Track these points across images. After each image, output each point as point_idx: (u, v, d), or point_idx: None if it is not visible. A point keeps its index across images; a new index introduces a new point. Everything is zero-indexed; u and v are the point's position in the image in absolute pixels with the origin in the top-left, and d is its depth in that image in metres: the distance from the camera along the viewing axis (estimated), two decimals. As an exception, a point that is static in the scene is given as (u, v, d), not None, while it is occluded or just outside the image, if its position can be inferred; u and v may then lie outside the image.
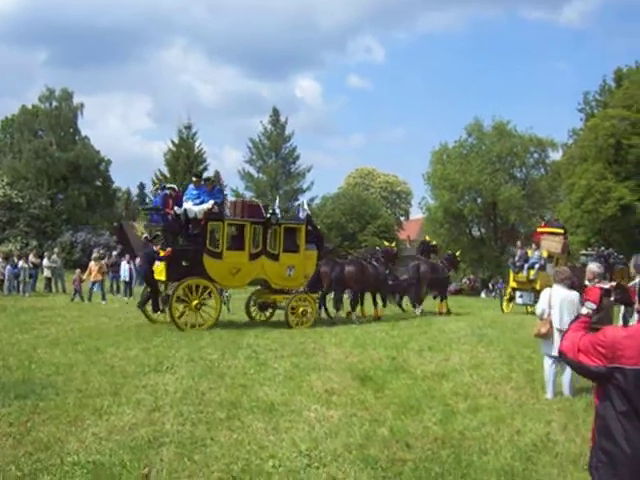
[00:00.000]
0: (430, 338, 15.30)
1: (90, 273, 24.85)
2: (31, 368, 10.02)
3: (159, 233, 16.57)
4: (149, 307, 16.59)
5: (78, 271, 25.90)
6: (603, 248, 31.57)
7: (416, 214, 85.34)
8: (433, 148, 61.04)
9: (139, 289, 23.98)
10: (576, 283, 10.64)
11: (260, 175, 62.24)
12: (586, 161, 51.50)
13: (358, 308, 19.90)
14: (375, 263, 20.12)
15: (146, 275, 16.54)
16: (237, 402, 8.18)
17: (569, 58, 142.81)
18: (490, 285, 52.82)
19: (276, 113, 62.71)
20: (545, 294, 9.72)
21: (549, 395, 9.36)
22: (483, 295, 50.41)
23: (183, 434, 6.77)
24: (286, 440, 6.72)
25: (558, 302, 9.44)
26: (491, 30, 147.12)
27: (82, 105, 61.40)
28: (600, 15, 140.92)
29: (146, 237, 17.43)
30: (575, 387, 9.54)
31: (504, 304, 25.31)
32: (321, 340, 14.28)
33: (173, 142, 58.86)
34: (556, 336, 9.32)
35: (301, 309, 17.28)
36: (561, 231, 27.64)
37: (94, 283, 24.77)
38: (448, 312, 22.79)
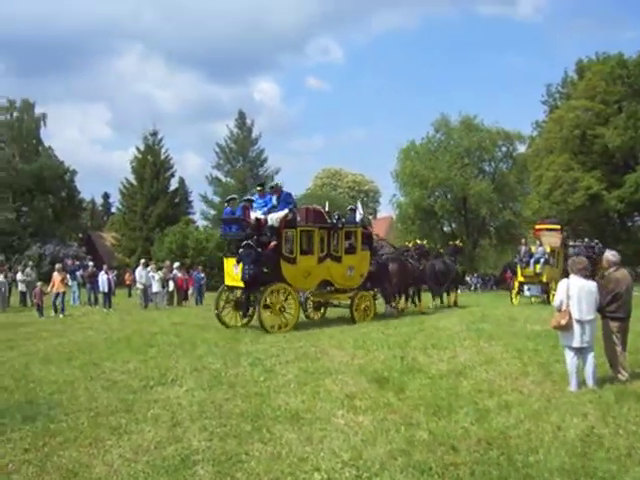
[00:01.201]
0: (429, 336, 15.04)
1: (54, 285, 24.02)
2: (30, 387, 9.51)
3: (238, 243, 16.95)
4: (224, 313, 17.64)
5: (40, 284, 24.97)
6: (587, 239, 32.76)
7: (384, 212, 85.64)
8: (400, 145, 60.91)
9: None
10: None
11: (228, 179, 61.68)
12: (552, 153, 51.90)
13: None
14: (411, 260, 22.44)
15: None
16: (259, 412, 7.76)
17: (529, 51, 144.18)
18: (467, 279, 52.57)
19: (242, 116, 62.25)
20: (563, 285, 9.41)
21: (573, 387, 9.07)
22: (458, 291, 50.24)
23: (214, 450, 6.35)
24: (325, 450, 6.34)
25: (576, 293, 9.16)
26: (447, 26, 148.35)
27: (44, 115, 60.62)
28: (554, 9, 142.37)
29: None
30: (597, 378, 9.29)
31: (513, 297, 27.45)
32: (319, 343, 13.90)
33: (139, 149, 58.14)
34: (576, 327, 9.06)
35: (363, 305, 18.87)
36: (558, 227, 29.58)
37: (57, 295, 23.95)
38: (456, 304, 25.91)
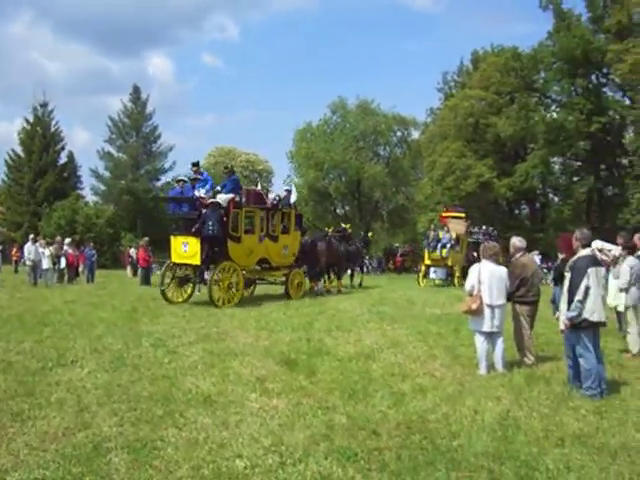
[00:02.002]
0: (331, 318, 15.08)
1: None
2: None
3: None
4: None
5: None
6: (485, 227, 34.18)
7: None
8: (296, 126, 60.82)
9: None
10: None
11: (120, 155, 59.76)
12: (446, 139, 52.88)
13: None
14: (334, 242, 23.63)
15: None
16: (169, 396, 7.43)
17: (426, 40, 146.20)
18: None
19: (137, 91, 60.31)
20: (474, 270, 9.48)
21: (483, 371, 9.17)
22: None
23: (127, 436, 5.99)
24: (243, 435, 6.10)
25: (487, 278, 9.26)
26: (347, 10, 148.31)
27: None
28: (452, 1, 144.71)
29: None
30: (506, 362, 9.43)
31: (420, 279, 29.30)
32: (220, 324, 13.68)
33: (27, 121, 55.70)
34: (486, 312, 9.16)
35: (296, 282, 20.45)
36: (463, 215, 31.89)
37: None
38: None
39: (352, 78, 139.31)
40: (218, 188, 17.89)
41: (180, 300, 18.19)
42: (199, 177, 18.41)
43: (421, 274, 29.60)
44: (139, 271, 28.45)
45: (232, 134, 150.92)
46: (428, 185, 55.65)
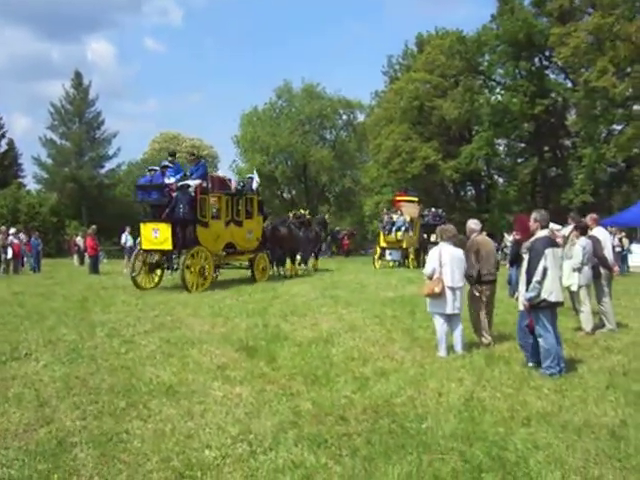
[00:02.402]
0: (285, 302, 15.08)
1: None
2: None
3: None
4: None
5: None
6: (434, 209, 34.62)
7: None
8: (242, 111, 60.50)
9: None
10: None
11: (63, 142, 58.58)
12: (392, 122, 52.98)
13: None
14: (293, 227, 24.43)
15: None
16: (130, 387, 7.30)
17: (370, 22, 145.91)
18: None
19: (79, 77, 59.01)
20: (435, 253, 9.50)
21: (442, 353, 9.23)
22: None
23: (91, 430, 5.86)
24: (209, 425, 6.01)
25: (449, 260, 9.30)
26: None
27: None
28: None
29: None
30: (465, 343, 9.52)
31: (375, 261, 30.07)
32: (174, 311, 13.54)
33: (-37, 107, 54.30)
34: (448, 294, 9.20)
35: (261, 266, 21.33)
36: (416, 199, 33.20)
37: None
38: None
39: (298, 62, 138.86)
40: (187, 174, 18.30)
41: (150, 286, 18.72)
42: (170, 165, 18.75)
43: (376, 256, 30.43)
44: (87, 260, 27.98)
45: (177, 119, 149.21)
46: (374, 168, 55.87)
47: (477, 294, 9.94)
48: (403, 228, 29.66)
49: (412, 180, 50.75)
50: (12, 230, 28.20)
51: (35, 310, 13.57)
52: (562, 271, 9.48)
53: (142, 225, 18.41)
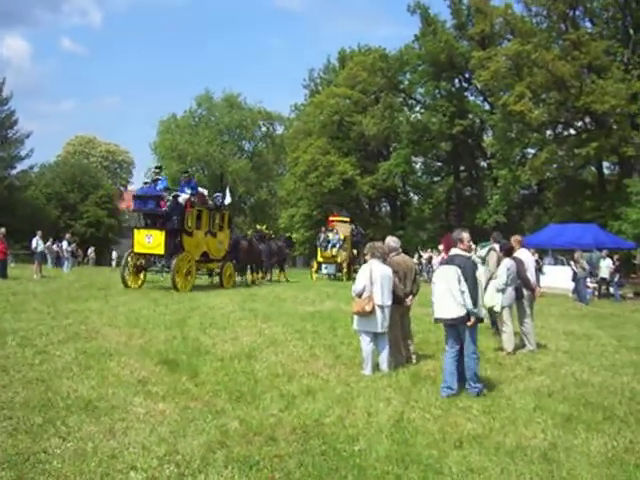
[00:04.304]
0: (203, 315, 14.80)
1: None
2: None
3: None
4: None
5: None
6: (354, 226, 36.91)
7: (137, 184, 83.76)
8: (161, 118, 59.77)
9: None
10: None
11: (-27, 141, 56.52)
12: (311, 136, 53.18)
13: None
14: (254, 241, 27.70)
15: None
16: (46, 401, 6.92)
17: (292, 36, 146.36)
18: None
19: (-9, 74, 57.34)
20: (365, 270, 9.36)
21: (368, 371, 9.12)
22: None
23: (5, 449, 5.47)
24: (133, 444, 5.73)
25: (379, 278, 9.19)
26: (214, 1, 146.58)
27: None
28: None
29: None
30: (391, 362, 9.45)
31: (312, 274, 33.88)
32: (89, 320, 13.09)
33: None
34: (378, 312, 9.10)
35: (228, 273, 24.03)
36: (348, 219, 36.60)
37: None
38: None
39: (220, 72, 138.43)
40: (186, 190, 21.43)
41: (135, 286, 21.11)
42: (160, 177, 22.19)
43: (314, 269, 34.24)
44: (-6, 264, 26.87)
45: (94, 122, 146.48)
46: (291, 181, 56.04)
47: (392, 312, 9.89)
48: (338, 245, 32.69)
49: (328, 194, 51.09)
50: None
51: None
52: (485, 291, 9.56)
53: (136, 231, 21.01)
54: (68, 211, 59.05)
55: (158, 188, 21.24)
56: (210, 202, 23.25)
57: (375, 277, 9.16)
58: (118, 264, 52.16)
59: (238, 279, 26.25)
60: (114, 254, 57.03)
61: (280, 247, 31.08)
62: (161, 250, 20.35)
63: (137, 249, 20.88)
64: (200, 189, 23.33)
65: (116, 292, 19.21)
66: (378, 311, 9.08)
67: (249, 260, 27.03)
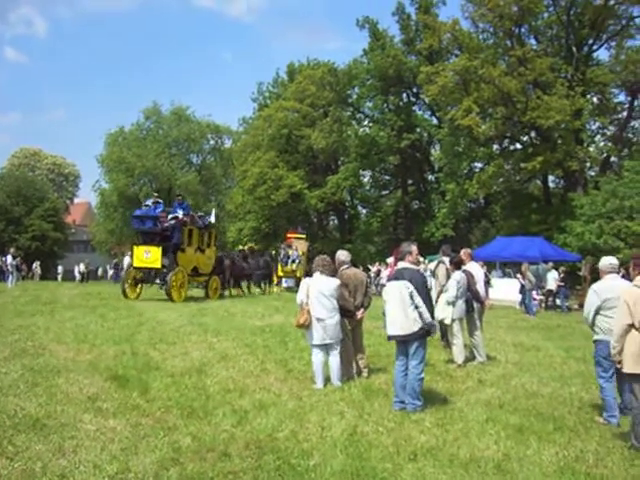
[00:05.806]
0: (152, 329, 14.64)
1: None
2: None
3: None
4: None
5: None
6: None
7: (83, 197, 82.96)
8: (108, 130, 59.06)
9: None
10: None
11: None
12: (259, 149, 53.03)
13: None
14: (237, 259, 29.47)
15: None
16: (-9, 420, 6.77)
17: (241, 49, 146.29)
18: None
19: None
20: (304, 285, 9.53)
21: (319, 385, 9.12)
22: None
23: (-50, 470, 5.36)
24: (84, 463, 5.62)
25: (315, 292, 9.23)
26: (163, 13, 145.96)
27: None
28: (268, 11, 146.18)
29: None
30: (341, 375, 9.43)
31: (275, 287, 34.44)
32: (35, 337, 12.87)
33: None
34: (316, 325, 9.13)
35: (214, 286, 25.76)
36: (304, 236, 38.04)
37: None
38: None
39: (168, 85, 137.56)
40: (179, 210, 23.57)
41: (133, 297, 23.03)
42: (159, 201, 24.17)
43: (275, 283, 35.04)
44: None
45: (39, 135, 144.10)
46: (239, 194, 55.87)
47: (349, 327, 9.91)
48: (297, 260, 34.08)
49: (277, 208, 51.02)
50: None
51: None
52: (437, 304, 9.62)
53: (135, 247, 23.06)
54: (12, 224, 58.09)
55: (157, 210, 23.23)
56: (199, 222, 24.79)
57: (311, 291, 9.26)
58: (64, 278, 51.77)
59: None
60: (60, 268, 56.17)
61: (267, 262, 32.85)
62: (158, 264, 22.26)
63: (136, 264, 22.85)
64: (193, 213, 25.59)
65: (62, 307, 18.97)
66: (315, 323, 9.15)
67: (232, 276, 28.61)
